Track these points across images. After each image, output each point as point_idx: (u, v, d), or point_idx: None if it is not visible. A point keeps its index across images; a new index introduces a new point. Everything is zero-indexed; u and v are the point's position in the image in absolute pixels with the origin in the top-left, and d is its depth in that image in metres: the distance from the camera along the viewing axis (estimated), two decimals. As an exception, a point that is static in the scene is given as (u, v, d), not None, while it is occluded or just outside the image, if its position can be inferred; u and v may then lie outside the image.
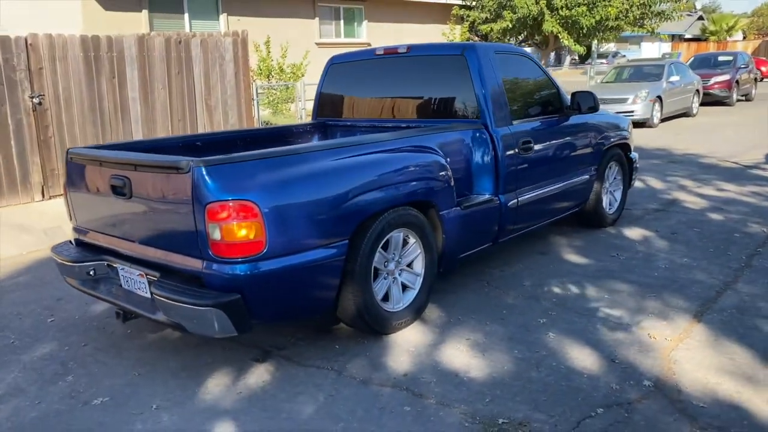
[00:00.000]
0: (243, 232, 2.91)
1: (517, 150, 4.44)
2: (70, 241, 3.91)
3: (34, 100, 7.32)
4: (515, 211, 4.48)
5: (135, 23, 12.94)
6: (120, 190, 3.31)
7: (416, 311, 3.79)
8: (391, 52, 4.83)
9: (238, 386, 3.13)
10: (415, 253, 3.77)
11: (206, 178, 2.89)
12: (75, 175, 3.68)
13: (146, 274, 3.29)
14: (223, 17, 14.88)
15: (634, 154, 6.15)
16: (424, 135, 3.93)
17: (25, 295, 4.53)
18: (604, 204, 5.74)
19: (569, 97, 5.12)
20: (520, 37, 21.91)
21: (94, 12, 12.56)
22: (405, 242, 3.72)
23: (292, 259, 3.06)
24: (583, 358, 3.32)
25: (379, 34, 17.85)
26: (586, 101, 5.01)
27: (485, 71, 4.37)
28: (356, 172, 3.32)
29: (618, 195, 5.96)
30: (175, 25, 13.85)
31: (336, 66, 5.24)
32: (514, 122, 4.50)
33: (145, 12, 13.33)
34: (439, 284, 4.36)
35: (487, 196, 4.30)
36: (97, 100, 7.85)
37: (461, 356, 3.37)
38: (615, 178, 5.90)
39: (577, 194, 5.29)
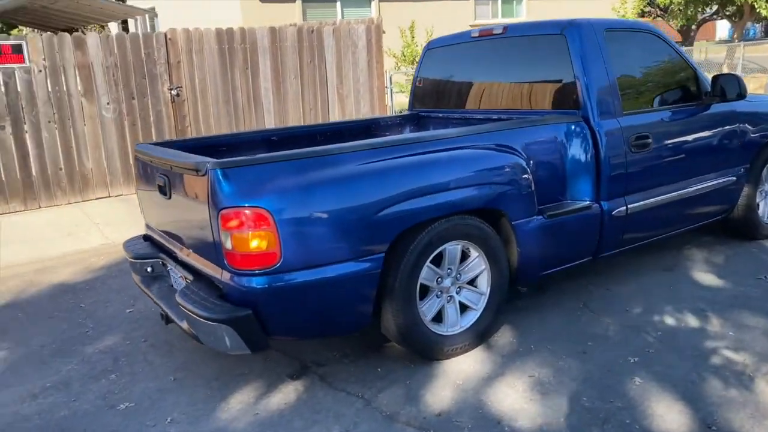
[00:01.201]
0: (255, 242, 2.64)
1: (627, 147, 3.69)
2: (142, 237, 3.94)
3: (172, 91, 7.73)
4: (623, 220, 3.75)
5: (289, 14, 13.35)
6: (162, 189, 3.22)
7: (478, 336, 3.29)
8: (486, 34, 4.28)
9: (258, 406, 2.89)
10: (479, 268, 3.26)
11: (221, 181, 2.66)
12: (140, 171, 3.68)
13: (185, 278, 3.17)
14: (374, 3, 14.85)
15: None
16: (497, 131, 3.37)
17: (121, 283, 4.71)
18: (760, 211, 4.69)
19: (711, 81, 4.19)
20: (708, 9, 19.36)
21: (251, 6, 13.15)
22: (465, 256, 3.23)
23: (313, 274, 2.74)
24: (669, 417, 2.62)
25: (540, 13, 16.76)
26: (731, 87, 4.06)
27: (589, 54, 3.67)
28: (394, 177, 2.89)
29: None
30: (328, 13, 14.08)
31: (432, 51, 4.79)
32: (627, 114, 3.75)
33: (298, 2, 13.69)
34: (524, 300, 3.80)
35: (584, 203, 3.62)
36: (230, 90, 8.11)
37: (514, 397, 2.83)
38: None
39: (719, 199, 4.35)
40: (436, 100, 4.75)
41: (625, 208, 3.75)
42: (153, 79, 7.61)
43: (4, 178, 6.91)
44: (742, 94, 4.08)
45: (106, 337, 3.78)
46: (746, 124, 4.38)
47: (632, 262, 4.42)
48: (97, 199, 7.42)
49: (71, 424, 2.86)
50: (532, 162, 3.42)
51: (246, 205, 2.63)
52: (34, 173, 7.12)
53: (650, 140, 3.80)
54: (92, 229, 6.26)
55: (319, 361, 3.26)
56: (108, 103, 7.35)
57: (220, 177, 2.66)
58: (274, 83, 8.42)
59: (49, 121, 7.05)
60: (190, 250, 3.13)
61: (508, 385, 2.94)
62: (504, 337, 3.43)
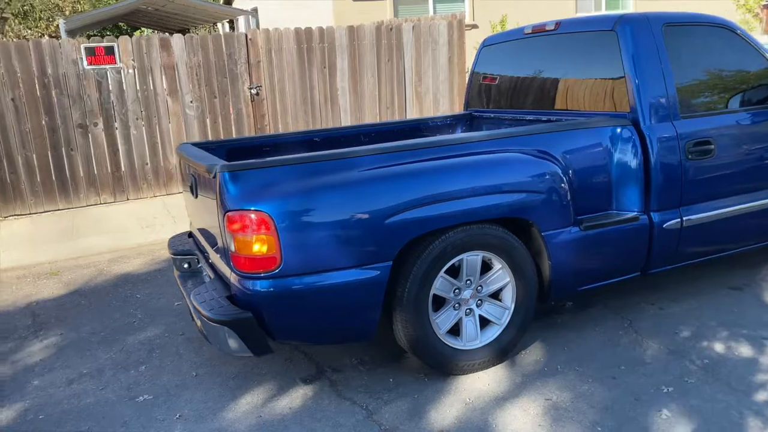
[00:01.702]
0: (257, 246, 2.64)
1: (684, 154, 3.37)
2: (187, 234, 4.08)
3: (252, 91, 7.97)
4: (678, 233, 3.42)
5: (380, 11, 13.40)
6: (192, 189, 3.31)
7: (500, 352, 3.12)
8: (539, 30, 4.05)
9: (265, 408, 2.90)
10: (503, 281, 3.09)
11: (228, 184, 2.69)
12: (182, 170, 3.80)
13: (210, 276, 3.24)
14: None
15: None
16: (528, 135, 3.17)
17: (178, 276, 4.91)
18: None
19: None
20: None
21: (343, 4, 13.32)
22: (488, 267, 3.06)
23: (315, 279, 2.70)
24: (690, 458, 2.36)
25: (650, 6, 15.77)
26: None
27: (643, 51, 3.37)
28: (403, 183, 2.78)
29: None
30: (419, 10, 13.99)
31: (488, 48, 4.60)
32: (686, 117, 3.42)
33: (389, 0, 13.71)
34: (565, 316, 3.57)
35: (630, 214, 3.34)
36: (308, 89, 8.25)
37: (523, 421, 2.66)
38: None
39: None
40: (491, 99, 4.57)
41: (679, 220, 3.42)
42: (234, 78, 7.87)
43: (96, 172, 7.42)
44: None
45: (148, 329, 3.94)
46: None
47: (696, 277, 4.04)
48: (179, 192, 7.80)
49: (91, 411, 2.99)
50: (570, 168, 3.19)
51: (249, 208, 2.63)
52: (123, 167, 7.58)
53: (713, 147, 3.44)
54: (168, 221, 6.59)
55: (336, 367, 3.23)
56: (191, 102, 7.69)
57: (228, 180, 2.68)
58: (351, 82, 8.47)
59: (137, 119, 7.48)
60: (213, 250, 3.19)
61: (520, 408, 2.76)
62: (531, 354, 3.23)
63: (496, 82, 4.49)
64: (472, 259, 2.99)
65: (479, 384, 2.98)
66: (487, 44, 4.62)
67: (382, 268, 2.77)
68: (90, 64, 7.18)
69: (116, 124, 7.50)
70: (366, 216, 2.72)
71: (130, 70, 7.39)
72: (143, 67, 7.43)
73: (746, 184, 3.61)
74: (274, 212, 2.61)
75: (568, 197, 3.12)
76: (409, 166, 2.85)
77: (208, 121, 7.82)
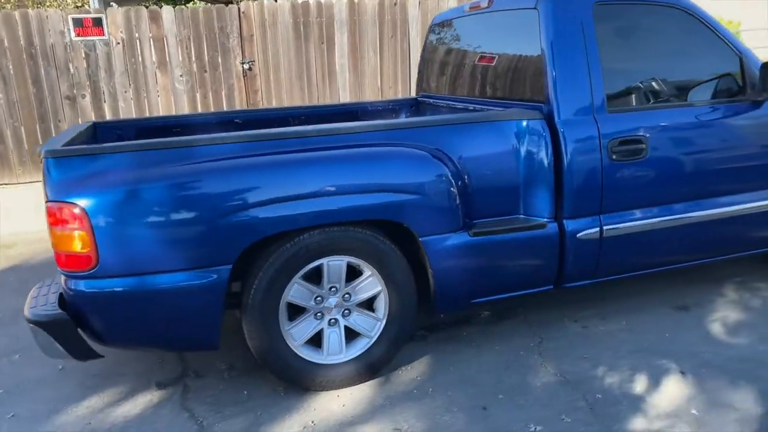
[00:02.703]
0: (71, 242, 2.41)
1: (607, 154, 2.92)
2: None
3: (244, 65, 7.75)
4: (596, 245, 2.99)
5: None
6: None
7: (369, 368, 2.80)
8: (475, 8, 3.62)
9: (101, 414, 2.71)
10: (373, 289, 2.76)
11: (52, 171, 2.46)
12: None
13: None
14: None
15: None
16: (411, 128, 2.80)
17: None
18: None
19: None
20: None
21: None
22: (357, 273, 2.74)
23: (139, 282, 2.45)
24: None
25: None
26: (781, 79, 3.04)
27: (565, 34, 2.93)
28: (246, 178, 2.48)
29: None
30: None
31: (437, 27, 4.19)
32: (613, 112, 2.96)
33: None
34: (473, 328, 3.23)
35: (536, 221, 2.93)
36: (304, 65, 7.96)
37: (353, 454, 2.35)
38: None
39: (762, 225, 3.34)
40: (436, 83, 4.17)
41: (598, 229, 2.98)
42: (226, 52, 7.67)
43: (83, 144, 7.40)
44: None
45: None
46: (819, 129, 3.28)
47: (643, 291, 3.58)
48: (166, 168, 7.71)
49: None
50: (464, 166, 2.81)
51: (64, 200, 2.40)
52: (110, 141, 7.53)
53: (644, 146, 2.96)
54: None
55: (201, 372, 2.99)
56: (181, 76, 7.54)
57: (51, 166, 2.45)
58: (350, 59, 8.12)
59: (125, 92, 7.39)
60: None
61: (360, 437, 2.45)
62: (410, 372, 2.90)
63: (442, 65, 4.08)
64: (335, 264, 2.67)
65: (335, 404, 2.67)
66: (436, 23, 4.21)
67: (220, 271, 2.50)
68: (78, 35, 7.11)
69: (104, 97, 7.43)
70: (199, 214, 2.44)
71: (119, 42, 7.29)
72: (132, 39, 7.32)
73: (689, 190, 3.12)
74: (89, 206, 2.37)
75: (456, 199, 2.74)
76: (255, 159, 2.54)
77: (198, 95, 7.66)
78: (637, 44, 3.11)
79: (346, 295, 2.74)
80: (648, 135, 2.98)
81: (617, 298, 3.53)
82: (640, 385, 2.70)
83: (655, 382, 2.71)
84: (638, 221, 3.04)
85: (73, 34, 7.07)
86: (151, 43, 7.41)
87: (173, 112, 7.57)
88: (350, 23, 8.03)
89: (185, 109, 7.63)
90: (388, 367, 2.89)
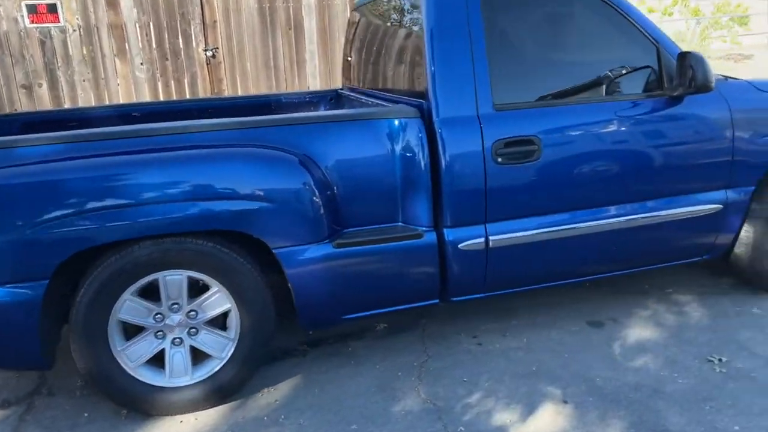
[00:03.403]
0: None
1: (492, 156, 2.62)
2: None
3: (207, 53, 7.51)
4: (483, 256, 2.70)
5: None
6: None
7: (219, 391, 2.56)
8: (375, -6, 3.32)
9: None
10: (222, 306, 2.51)
11: None
12: None
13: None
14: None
15: None
16: (265, 126, 2.52)
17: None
18: (783, 254, 3.21)
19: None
20: None
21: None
22: (204, 288, 2.49)
23: (-57, 297, 2.23)
24: None
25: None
26: (701, 73, 2.69)
27: (447, 23, 2.63)
28: (58, 185, 2.24)
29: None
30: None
31: (355, 12, 3.89)
32: (501, 109, 2.65)
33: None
34: (362, 342, 2.99)
35: (415, 229, 2.65)
36: (271, 52, 7.70)
37: (164, 494, 2.12)
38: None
39: (684, 234, 3.01)
40: (356, 74, 3.88)
41: (483, 239, 2.68)
42: (188, 39, 7.43)
43: (41, 134, 7.25)
44: (703, 85, 2.68)
45: None
46: (750, 127, 2.93)
47: (559, 303, 3.28)
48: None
49: None
50: (329, 170, 2.54)
51: None
52: (69, 130, 7.37)
53: (537, 148, 2.65)
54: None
55: (54, 388, 2.79)
56: (141, 64, 7.33)
57: None
58: (320, 45, 7.83)
59: (84, 80, 7.21)
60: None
61: (182, 472, 2.22)
62: (271, 395, 2.65)
63: (360, 53, 3.79)
64: (174, 279, 2.42)
65: (175, 430, 2.44)
66: (357, 6, 3.90)
67: (35, 287, 2.27)
68: (32, 22, 6.93)
69: (62, 85, 7.26)
70: (7, 225, 2.21)
71: (75, 29, 7.09)
72: (89, 26, 7.12)
73: (592, 196, 2.80)
74: None
75: (319, 207, 2.47)
76: (72, 162, 2.29)
77: (159, 84, 7.45)
78: (533, 33, 2.79)
79: (192, 313, 2.50)
80: (541, 135, 2.67)
81: (529, 311, 3.23)
82: (511, 416, 2.42)
83: (529, 412, 2.43)
84: (531, 231, 2.74)
85: (27, 20, 6.89)
86: (110, 30, 7.20)
87: (134, 101, 7.38)
88: (319, 8, 7.73)
89: (146, 98, 7.43)
90: (249, 389, 2.66)
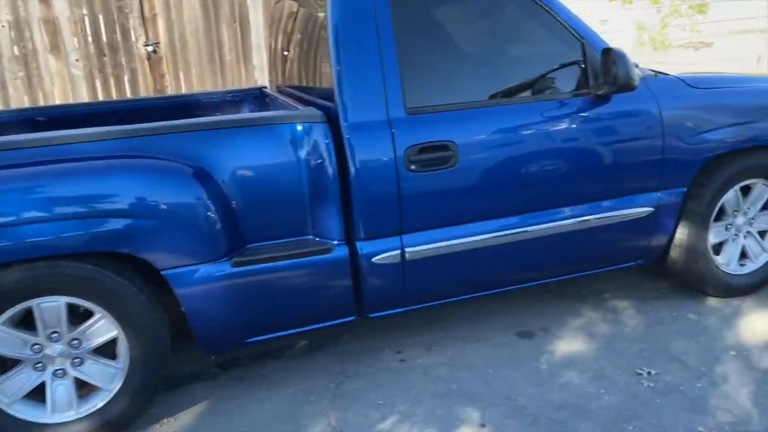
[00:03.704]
0: None
1: (404, 163, 2.43)
2: None
3: (148, 48, 7.19)
4: (399, 269, 2.52)
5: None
6: None
7: (109, 425, 2.35)
8: (290, -13, 3.10)
9: None
10: (108, 333, 2.30)
11: None
12: None
13: None
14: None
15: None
16: (156, 135, 2.30)
17: None
18: (722, 258, 3.09)
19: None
20: None
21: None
22: (88, 314, 2.27)
23: None
24: None
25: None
26: (623, 68, 2.53)
27: (352, 20, 2.44)
28: None
29: (774, 242, 3.17)
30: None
31: (278, 6, 3.66)
32: (414, 113, 2.47)
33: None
34: (277, 363, 2.79)
35: (325, 243, 2.45)
36: (216, 46, 7.40)
37: None
38: (760, 213, 3.12)
39: (613, 239, 2.87)
40: (278, 71, 3.66)
41: (399, 252, 2.50)
42: (126, 34, 7.10)
43: (-29, 136, 6.88)
44: (625, 83, 2.53)
45: None
46: (681, 126, 2.79)
47: (494, 312, 3.12)
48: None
49: None
50: (228, 181, 2.33)
51: None
52: (2, 131, 7.02)
53: (453, 153, 2.47)
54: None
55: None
56: (77, 60, 6.99)
57: None
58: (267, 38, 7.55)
59: (15, 79, 6.86)
60: None
61: None
62: (169, 427, 2.45)
63: (282, 49, 3.57)
64: (50, 306, 2.20)
65: (55, 472, 2.23)
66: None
67: None
68: (-43, 17, 6.55)
69: (-8, 84, 6.90)
70: None
71: (4, 25, 6.73)
72: (19, 21, 6.76)
73: (514, 203, 2.64)
74: None
75: (214, 223, 2.27)
76: None
77: (98, 81, 7.12)
78: (449, 30, 2.60)
79: (75, 341, 2.28)
80: (458, 140, 2.49)
81: (459, 322, 3.07)
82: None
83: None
84: (451, 241, 2.57)
85: (-49, 16, 6.51)
86: (42, 25, 6.85)
87: (71, 100, 7.04)
88: (266, 0, 7.46)
89: (84, 97, 7.10)
90: (146, 420, 2.45)
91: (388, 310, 2.65)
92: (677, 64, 10.32)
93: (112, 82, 7.11)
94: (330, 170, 2.39)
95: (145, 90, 7.30)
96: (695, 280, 3.09)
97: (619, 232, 2.83)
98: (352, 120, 2.40)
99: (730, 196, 3.00)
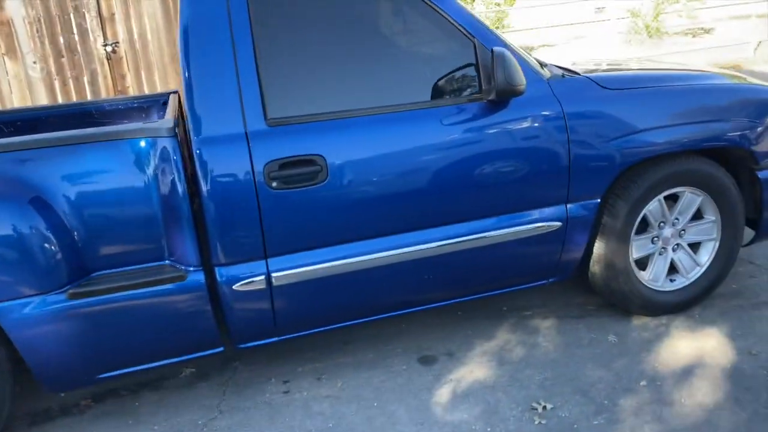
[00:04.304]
0: None
1: (264, 180, 2.20)
2: None
3: (107, 48, 7.02)
4: (266, 295, 2.30)
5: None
6: None
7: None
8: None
9: None
10: (-68, 373, 2.10)
11: None
12: None
13: None
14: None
15: (774, 172, 2.87)
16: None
17: None
18: (648, 274, 2.83)
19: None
20: None
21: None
22: None
23: None
24: None
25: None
26: (502, 71, 2.27)
27: (203, 22, 2.21)
28: None
29: (705, 256, 2.88)
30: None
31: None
32: (276, 124, 2.24)
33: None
34: (149, 394, 2.56)
35: (179, 270, 2.23)
36: (178, 45, 7.20)
37: None
38: (690, 223, 2.84)
39: (514, 256, 2.62)
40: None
41: (265, 277, 2.27)
42: (84, 34, 6.93)
43: (-72, 142, 6.77)
44: (508, 89, 2.27)
45: None
46: (590, 133, 2.52)
47: (399, 333, 2.89)
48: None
49: None
50: (64, 204, 2.12)
51: None
52: (-40, 136, 6.90)
53: (323, 168, 2.24)
54: None
55: None
56: (34, 63, 6.84)
57: None
58: (231, 36, 7.33)
59: (-29, 83, 6.72)
60: None
61: None
62: (14, 470, 2.25)
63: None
64: None
65: None
66: None
67: None
68: None
69: (-53, 89, 6.77)
70: None
71: (-43, 28, 6.59)
72: (-28, 23, 6.61)
73: (399, 220, 2.39)
74: None
75: (45, 252, 2.07)
76: None
77: (56, 83, 6.96)
78: (319, 30, 2.35)
79: None
80: (327, 153, 2.25)
81: (361, 344, 2.85)
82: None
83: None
84: (325, 264, 2.34)
85: None
86: (-5, 27, 6.70)
87: (29, 103, 6.90)
88: (226, -4, 7.20)
89: (43, 99, 6.95)
90: (-7, 462, 2.25)
91: (260, 340, 2.43)
92: (667, 53, 9.94)
93: (71, 84, 6.95)
94: (180, 189, 2.17)
95: (105, 91, 7.13)
96: (617, 298, 2.83)
97: (522, 249, 2.58)
98: (205, 134, 2.18)
99: (654, 206, 2.73)
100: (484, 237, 2.49)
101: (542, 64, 2.66)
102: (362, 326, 2.87)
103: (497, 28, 11.00)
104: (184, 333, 2.31)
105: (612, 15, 12.14)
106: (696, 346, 2.65)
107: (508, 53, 2.24)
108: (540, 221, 2.55)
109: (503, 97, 2.30)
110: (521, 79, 2.25)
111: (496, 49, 2.26)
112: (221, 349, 2.41)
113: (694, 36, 12.46)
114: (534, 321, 2.96)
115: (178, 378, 2.74)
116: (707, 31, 12.92)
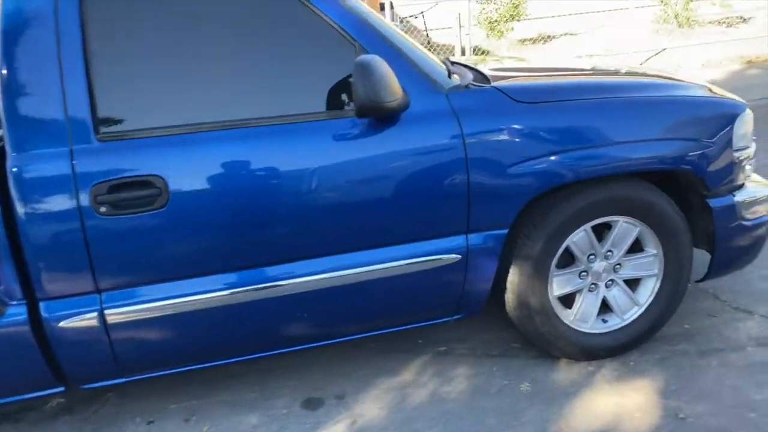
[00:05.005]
0: None
1: (91, 204, 1.92)
2: None
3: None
4: (100, 333, 2.04)
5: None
6: None
7: None
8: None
9: None
10: None
11: None
12: None
13: None
14: None
15: (730, 198, 2.45)
16: None
17: None
18: (575, 311, 2.46)
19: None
20: None
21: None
22: None
23: None
24: None
25: None
26: (362, 84, 1.92)
27: (24, 18, 1.91)
28: None
29: (645, 294, 2.50)
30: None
31: None
32: (109, 139, 1.95)
33: None
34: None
35: None
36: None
37: None
38: (627, 257, 2.46)
39: (411, 293, 2.27)
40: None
41: (97, 314, 2.00)
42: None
43: None
44: (368, 106, 1.92)
45: None
46: (494, 155, 2.16)
47: (289, 369, 2.60)
48: None
49: None
50: None
51: None
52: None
53: (163, 190, 1.95)
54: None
55: None
56: None
57: None
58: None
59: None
60: None
61: None
62: None
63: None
64: None
65: None
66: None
67: None
68: None
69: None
70: None
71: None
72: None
73: (258, 250, 2.08)
74: None
75: None
76: None
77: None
78: (165, 33, 2.04)
79: None
80: (168, 174, 1.95)
81: (246, 381, 2.56)
82: None
83: None
84: (171, 300, 2.05)
85: None
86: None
87: None
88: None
89: None
90: None
91: (102, 381, 2.17)
92: (696, 44, 9.28)
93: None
94: (-2, 214, 1.90)
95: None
96: (536, 340, 2.47)
97: (414, 284, 2.24)
98: (22, 149, 1.90)
99: (579, 237, 2.35)
100: (365, 271, 2.16)
101: (452, 71, 2.28)
102: (253, 361, 2.57)
103: (512, 16, 10.47)
104: (11, 372, 2.05)
105: (640, 2, 11.44)
106: (617, 403, 2.28)
107: (375, 63, 1.89)
108: (434, 254, 2.20)
109: (365, 114, 1.95)
110: (388, 95, 1.90)
111: (361, 57, 1.91)
112: (63, 389, 2.15)
113: (729, 26, 11.66)
114: (447, 359, 2.62)
115: (43, 410, 2.50)
116: (745, 20, 12.08)
